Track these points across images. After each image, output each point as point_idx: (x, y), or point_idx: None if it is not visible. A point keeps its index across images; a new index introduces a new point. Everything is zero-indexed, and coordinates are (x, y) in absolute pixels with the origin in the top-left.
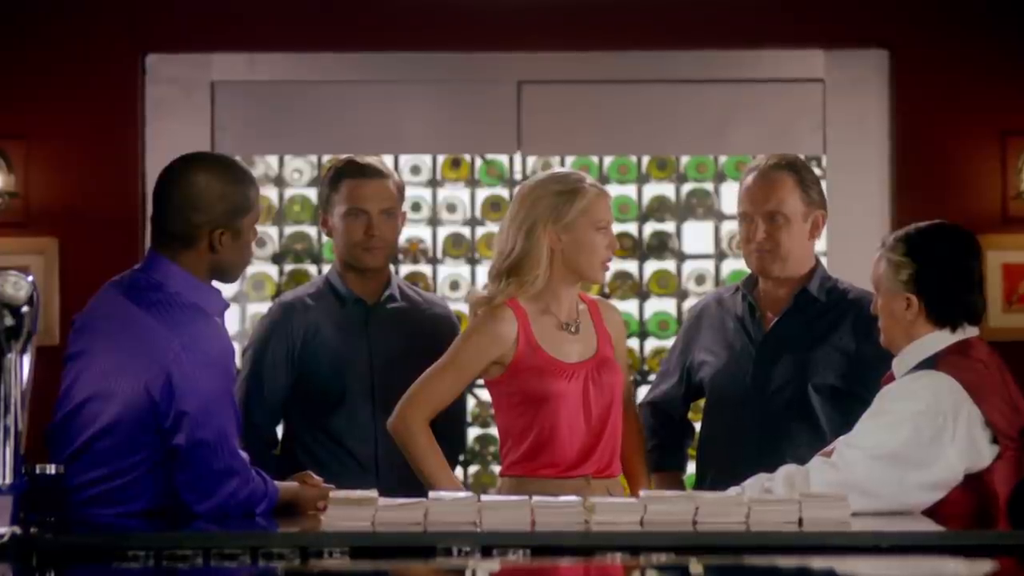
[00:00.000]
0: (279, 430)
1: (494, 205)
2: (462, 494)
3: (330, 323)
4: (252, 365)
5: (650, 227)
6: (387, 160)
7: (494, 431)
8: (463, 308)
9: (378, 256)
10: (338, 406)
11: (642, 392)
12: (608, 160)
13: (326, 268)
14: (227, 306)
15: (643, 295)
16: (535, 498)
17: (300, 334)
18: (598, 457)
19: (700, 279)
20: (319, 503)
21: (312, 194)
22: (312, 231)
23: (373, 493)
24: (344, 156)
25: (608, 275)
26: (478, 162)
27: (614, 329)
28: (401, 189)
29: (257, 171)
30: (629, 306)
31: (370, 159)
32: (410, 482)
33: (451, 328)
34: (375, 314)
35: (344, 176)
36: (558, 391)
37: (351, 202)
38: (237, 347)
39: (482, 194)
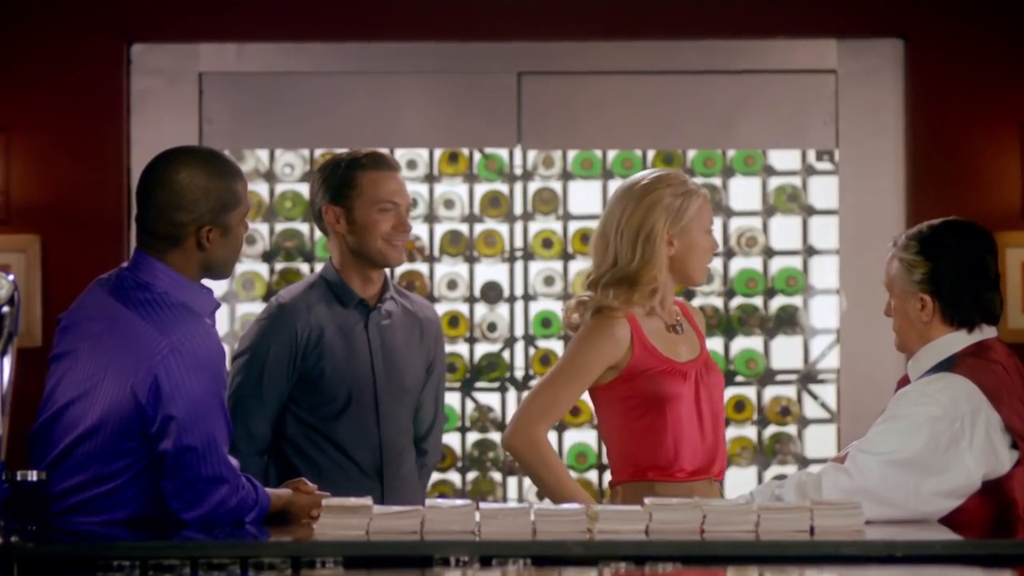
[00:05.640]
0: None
1: (493, 201)
2: (460, 501)
3: (333, 326)
4: (249, 370)
5: None
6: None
7: (492, 436)
8: (461, 308)
9: (402, 253)
10: (342, 412)
11: None
12: (612, 154)
13: (318, 267)
14: (218, 306)
15: None
16: (536, 505)
17: (304, 337)
18: (720, 457)
19: (708, 277)
20: (313, 511)
21: (304, 189)
22: (304, 228)
23: (368, 500)
24: (347, 150)
25: None
26: (477, 156)
27: (703, 329)
28: None
29: (247, 166)
30: None
31: (386, 152)
32: (414, 491)
33: (437, 331)
34: (374, 317)
35: (363, 168)
36: (676, 393)
37: (384, 196)
38: (227, 348)
39: (481, 189)
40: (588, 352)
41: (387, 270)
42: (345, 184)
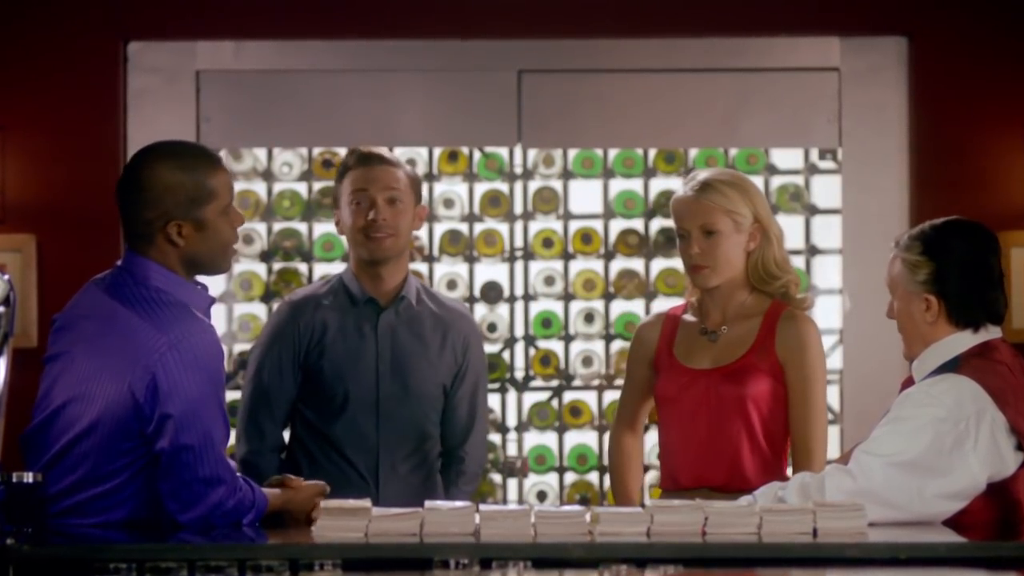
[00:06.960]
0: (286, 434)
1: (493, 200)
2: (459, 503)
3: (338, 324)
4: (259, 368)
5: (657, 223)
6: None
7: (493, 437)
8: None
9: (384, 245)
10: (340, 413)
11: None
12: (613, 153)
13: (317, 267)
14: (213, 301)
15: (650, 295)
16: (537, 507)
17: (307, 335)
18: (715, 470)
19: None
20: (313, 513)
21: (302, 189)
22: (303, 228)
23: (367, 502)
24: (346, 150)
25: (613, 274)
26: (476, 155)
27: (784, 342)
28: (415, 182)
29: (245, 164)
30: (635, 306)
31: (379, 149)
32: (414, 496)
33: (467, 335)
34: (385, 317)
35: (347, 169)
36: (671, 396)
37: (353, 186)
38: (226, 349)
39: (481, 188)
40: (628, 354)
41: (410, 270)
42: (336, 185)
